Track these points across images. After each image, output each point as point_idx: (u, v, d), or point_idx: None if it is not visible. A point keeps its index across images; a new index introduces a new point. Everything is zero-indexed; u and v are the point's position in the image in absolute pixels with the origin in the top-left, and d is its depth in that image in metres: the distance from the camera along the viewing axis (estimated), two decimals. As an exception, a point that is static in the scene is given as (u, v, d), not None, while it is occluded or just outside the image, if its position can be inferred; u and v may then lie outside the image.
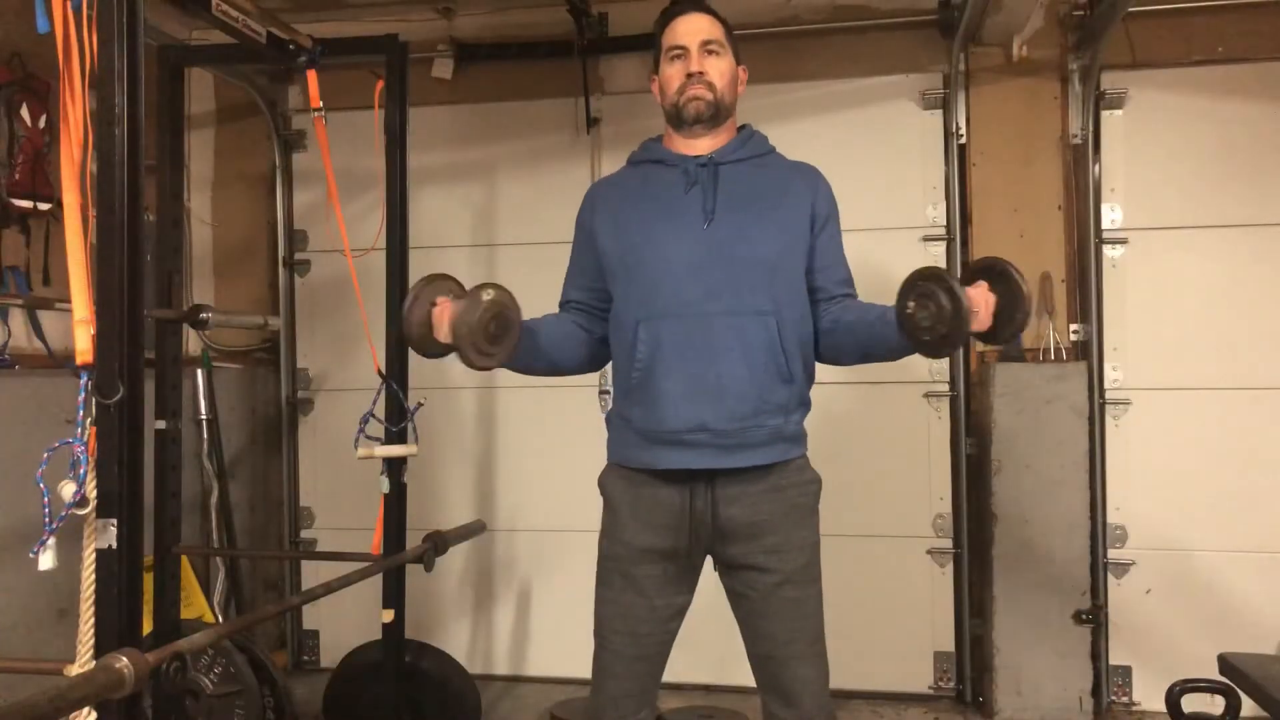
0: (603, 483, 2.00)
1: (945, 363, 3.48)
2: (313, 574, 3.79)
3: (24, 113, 2.84)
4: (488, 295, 1.66)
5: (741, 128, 2.02)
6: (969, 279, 1.72)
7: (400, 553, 2.63)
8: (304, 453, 3.96)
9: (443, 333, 1.71)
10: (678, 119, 1.95)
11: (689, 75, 1.92)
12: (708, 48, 1.93)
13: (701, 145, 1.96)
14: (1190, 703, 2.37)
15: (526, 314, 1.80)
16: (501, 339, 1.71)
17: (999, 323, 1.68)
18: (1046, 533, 3.23)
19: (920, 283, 1.68)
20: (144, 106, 1.69)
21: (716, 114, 1.94)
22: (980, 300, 1.66)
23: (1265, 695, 2.18)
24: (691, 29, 1.94)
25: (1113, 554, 3.36)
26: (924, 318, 1.66)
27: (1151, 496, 3.35)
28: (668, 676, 2.01)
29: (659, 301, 1.86)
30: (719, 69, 1.94)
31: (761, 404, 1.85)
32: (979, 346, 3.46)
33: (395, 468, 2.70)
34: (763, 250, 1.87)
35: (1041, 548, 3.23)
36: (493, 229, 3.81)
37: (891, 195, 3.50)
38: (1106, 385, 3.38)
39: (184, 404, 2.91)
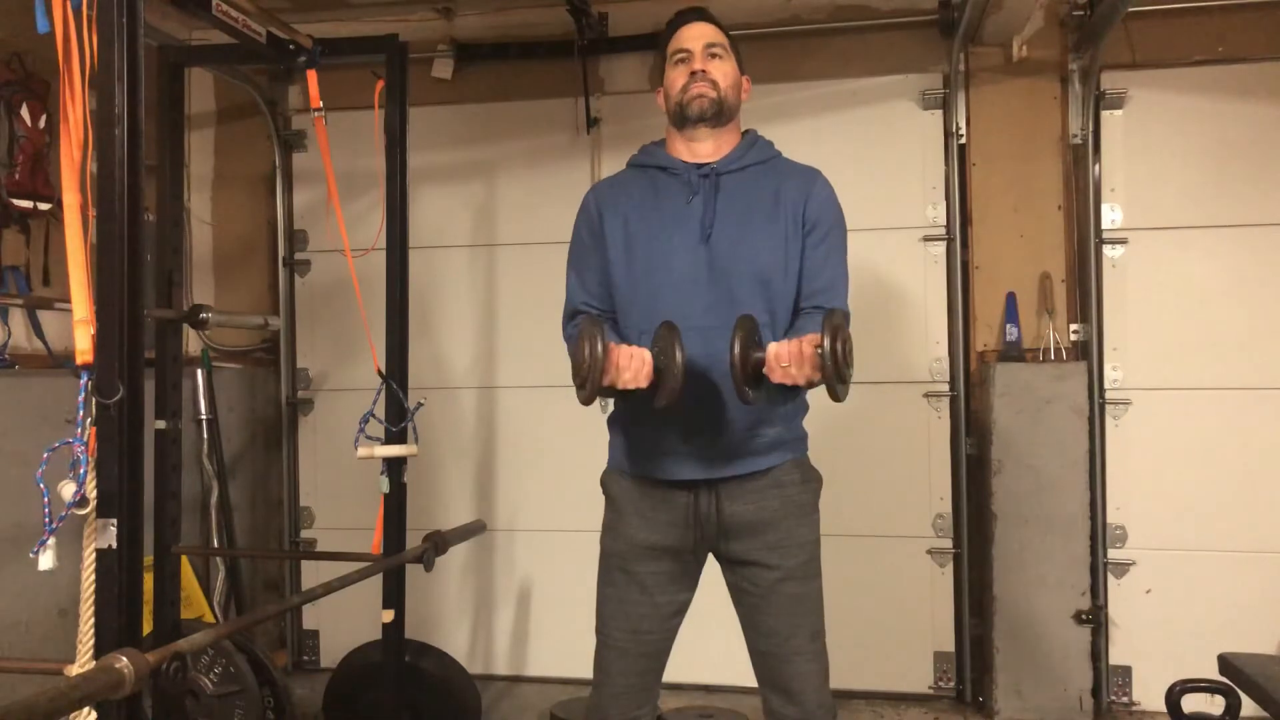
0: (605, 481, 2.01)
1: (945, 363, 3.48)
2: (313, 574, 3.79)
3: (24, 113, 2.84)
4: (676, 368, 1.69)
5: (745, 133, 2.03)
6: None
7: (400, 553, 2.62)
8: (304, 453, 3.96)
9: (620, 380, 1.70)
10: (681, 117, 1.96)
11: (692, 74, 1.94)
12: (711, 50, 1.97)
13: (704, 150, 1.96)
14: (1190, 703, 2.37)
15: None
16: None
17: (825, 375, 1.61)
18: (1046, 533, 3.23)
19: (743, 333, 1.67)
20: (144, 106, 1.68)
21: (720, 112, 1.94)
22: (786, 355, 1.64)
23: (1265, 695, 2.18)
24: (695, 34, 1.99)
25: (1113, 554, 3.36)
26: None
27: (1151, 496, 3.35)
28: (668, 676, 2.01)
29: (659, 315, 1.86)
30: (722, 70, 1.97)
31: (762, 415, 1.86)
32: (981, 351, 3.46)
33: (395, 468, 2.70)
34: (758, 264, 1.88)
35: (1041, 548, 3.23)
36: (493, 229, 3.81)
37: (891, 195, 3.50)
38: (1106, 385, 3.38)
39: (184, 404, 2.90)
